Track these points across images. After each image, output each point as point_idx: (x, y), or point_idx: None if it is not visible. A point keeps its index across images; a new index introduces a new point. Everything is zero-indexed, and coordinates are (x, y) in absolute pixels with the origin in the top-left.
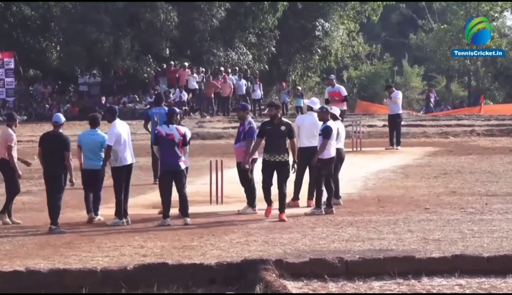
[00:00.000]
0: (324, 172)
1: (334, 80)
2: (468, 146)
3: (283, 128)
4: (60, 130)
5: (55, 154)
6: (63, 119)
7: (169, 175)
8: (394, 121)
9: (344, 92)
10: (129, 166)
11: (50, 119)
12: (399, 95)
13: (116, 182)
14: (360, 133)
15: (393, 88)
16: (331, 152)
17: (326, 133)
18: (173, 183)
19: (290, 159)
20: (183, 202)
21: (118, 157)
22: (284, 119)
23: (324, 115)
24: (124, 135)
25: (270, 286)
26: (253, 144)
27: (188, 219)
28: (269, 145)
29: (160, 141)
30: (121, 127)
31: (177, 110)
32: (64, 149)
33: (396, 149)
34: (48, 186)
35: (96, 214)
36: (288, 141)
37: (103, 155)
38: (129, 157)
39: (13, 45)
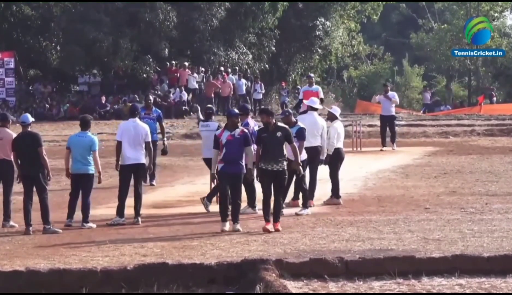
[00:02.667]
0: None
1: (313, 79)
2: (468, 146)
3: (279, 134)
4: (29, 129)
5: (30, 153)
6: (31, 119)
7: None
8: (390, 121)
9: (321, 94)
10: (135, 166)
11: (51, 119)
12: (396, 96)
13: (119, 180)
14: (360, 133)
15: (389, 88)
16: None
17: (301, 135)
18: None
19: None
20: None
21: (123, 155)
22: (279, 124)
23: (288, 119)
24: (132, 134)
25: (270, 286)
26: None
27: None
28: (265, 153)
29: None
30: (132, 126)
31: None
32: (37, 145)
33: (381, 150)
34: (26, 187)
35: (86, 222)
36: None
37: (91, 159)
38: (134, 157)
39: (13, 45)
